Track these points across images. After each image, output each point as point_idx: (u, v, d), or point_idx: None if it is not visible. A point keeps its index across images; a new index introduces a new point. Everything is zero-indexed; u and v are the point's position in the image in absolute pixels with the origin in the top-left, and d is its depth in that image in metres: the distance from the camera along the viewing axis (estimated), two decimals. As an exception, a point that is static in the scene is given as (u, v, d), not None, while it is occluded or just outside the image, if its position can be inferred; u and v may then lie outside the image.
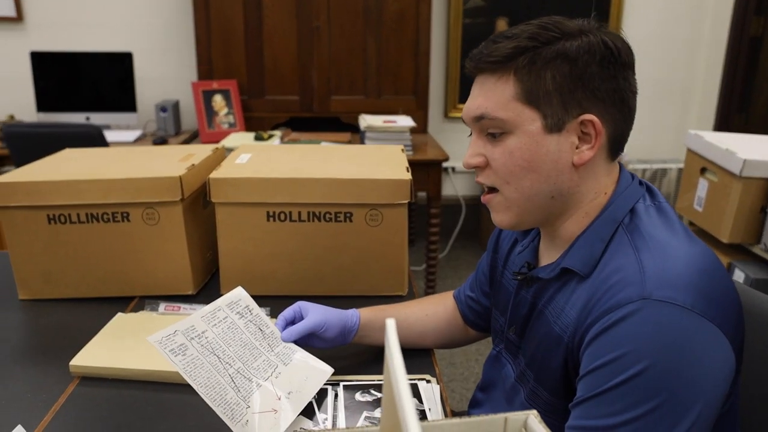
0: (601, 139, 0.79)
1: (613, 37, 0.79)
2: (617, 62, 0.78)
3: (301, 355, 1.01)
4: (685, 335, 0.69)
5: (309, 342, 1.03)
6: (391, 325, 0.46)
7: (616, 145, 0.82)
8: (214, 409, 0.84)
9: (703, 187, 2.12)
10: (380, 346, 1.10)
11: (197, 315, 0.95)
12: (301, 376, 0.97)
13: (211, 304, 0.99)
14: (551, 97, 0.78)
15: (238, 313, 1.01)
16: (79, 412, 0.94)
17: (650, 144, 3.90)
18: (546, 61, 0.78)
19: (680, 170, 3.55)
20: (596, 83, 0.78)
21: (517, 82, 0.79)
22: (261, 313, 1.04)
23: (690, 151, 2.22)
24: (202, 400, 0.84)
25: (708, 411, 0.71)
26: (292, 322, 1.03)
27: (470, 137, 0.87)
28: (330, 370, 0.99)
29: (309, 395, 0.94)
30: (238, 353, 0.95)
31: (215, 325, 0.96)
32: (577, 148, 0.80)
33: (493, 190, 0.85)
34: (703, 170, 2.14)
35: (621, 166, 0.87)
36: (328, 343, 1.04)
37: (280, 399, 0.91)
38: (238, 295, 1.03)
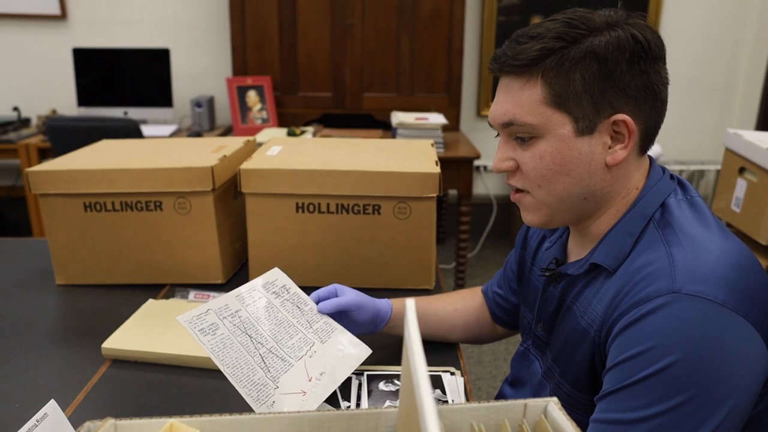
0: (635, 137, 0.78)
1: (642, 29, 0.76)
2: (648, 56, 0.76)
3: (340, 333, 0.99)
4: (716, 330, 0.68)
5: (340, 323, 1.03)
6: (410, 306, 0.46)
7: (647, 139, 0.81)
8: (239, 390, 0.85)
9: (741, 187, 2.06)
10: None
11: (232, 294, 0.96)
12: (337, 355, 0.96)
13: (246, 284, 1.00)
14: (581, 98, 0.76)
15: (274, 292, 1.01)
16: (110, 393, 0.96)
17: (688, 145, 3.81)
18: (574, 62, 0.75)
19: (718, 172, 3.46)
20: (627, 80, 0.76)
21: (545, 86, 0.77)
22: (299, 291, 1.03)
23: (728, 151, 2.17)
24: (228, 383, 0.85)
25: (738, 409, 0.69)
26: (327, 298, 1.03)
27: (497, 138, 0.86)
28: (368, 351, 0.98)
29: (342, 376, 0.93)
30: (273, 332, 0.95)
31: (250, 304, 0.97)
32: (609, 148, 0.78)
33: (523, 190, 0.84)
34: (741, 170, 2.08)
35: (651, 160, 0.85)
36: (359, 327, 1.03)
37: (311, 380, 0.91)
38: (275, 275, 1.04)
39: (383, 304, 1.06)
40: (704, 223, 0.77)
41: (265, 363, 0.90)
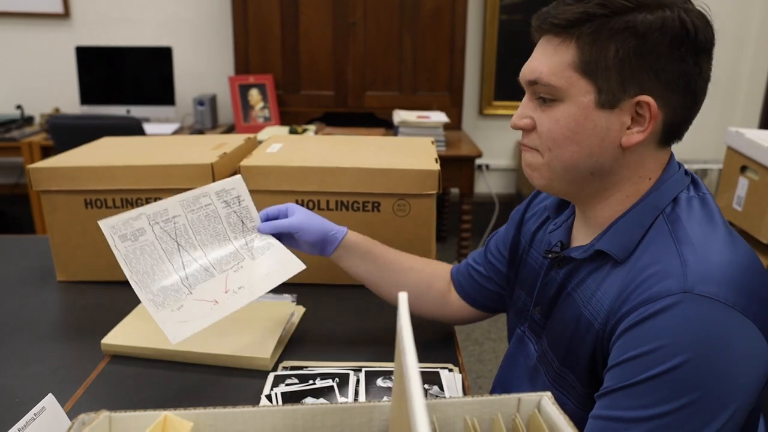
0: (655, 123, 0.75)
1: (695, 16, 0.74)
2: (691, 44, 0.73)
3: (277, 251, 1.00)
4: (725, 333, 0.67)
5: (288, 243, 1.05)
6: (403, 299, 0.46)
7: (672, 131, 0.78)
8: (139, 296, 0.87)
9: (743, 186, 2.06)
10: (354, 275, 1.10)
11: (177, 198, 0.96)
12: (263, 271, 0.97)
13: (201, 187, 1.00)
14: (610, 72, 0.74)
15: (224, 201, 1.01)
16: (108, 388, 0.97)
17: (691, 143, 3.79)
18: (612, 33, 0.73)
19: (721, 171, 3.45)
20: (662, 64, 0.73)
21: (577, 50, 0.75)
22: (251, 205, 1.04)
23: (730, 149, 2.16)
24: (230, 380, 0.85)
25: (741, 410, 0.69)
26: (276, 218, 1.05)
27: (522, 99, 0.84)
28: (300, 266, 0.99)
29: (262, 290, 0.95)
30: (205, 241, 0.96)
31: (193, 211, 0.97)
32: (628, 128, 0.76)
33: (534, 149, 0.83)
34: (743, 169, 2.08)
35: (671, 153, 0.83)
36: (304, 248, 1.06)
37: (227, 292, 0.92)
38: (234, 183, 1.04)
39: (335, 229, 1.06)
40: (713, 222, 0.76)
41: (185, 269, 0.91)
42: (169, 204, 0.95)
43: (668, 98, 0.75)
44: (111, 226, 0.89)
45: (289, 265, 0.99)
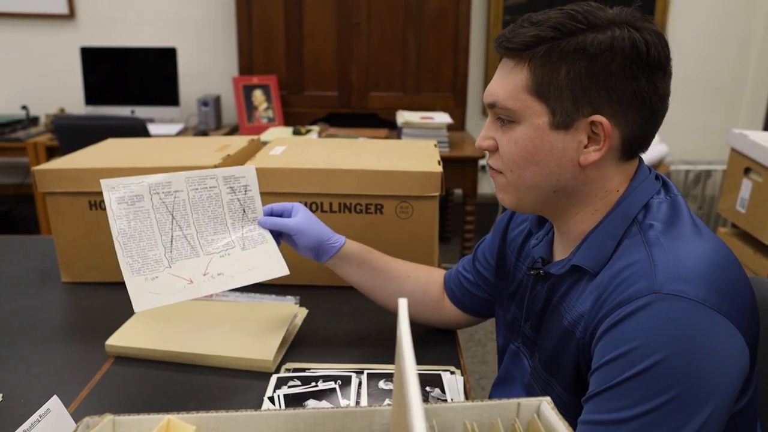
0: (611, 141, 0.77)
1: (647, 33, 0.75)
2: (643, 62, 0.74)
3: (268, 247, 1.02)
4: (697, 329, 0.69)
5: (286, 242, 1.07)
6: (403, 305, 0.47)
7: (632, 146, 0.79)
8: (120, 259, 0.89)
9: (746, 187, 2.06)
10: (350, 282, 1.12)
11: (183, 174, 0.98)
12: (247, 265, 0.98)
13: (209, 169, 1.02)
14: (563, 93, 0.75)
15: (230, 187, 1.02)
16: (112, 389, 0.97)
17: (695, 145, 3.80)
18: (563, 55, 0.75)
19: (725, 172, 3.45)
20: (613, 83, 0.74)
21: (529, 73, 0.77)
22: (257, 197, 1.05)
23: (733, 151, 2.16)
24: (233, 381, 0.86)
25: (722, 406, 0.70)
26: (280, 215, 1.06)
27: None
28: (284, 271, 1.00)
29: (239, 283, 0.96)
30: (200, 221, 0.97)
31: (196, 189, 0.98)
32: (585, 147, 0.77)
33: (498, 171, 0.85)
34: (747, 170, 2.08)
35: (640, 161, 0.84)
36: (299, 251, 1.07)
37: (205, 275, 0.93)
38: (244, 171, 1.05)
39: (333, 238, 1.07)
40: (680, 222, 0.78)
41: (172, 244, 0.93)
42: (174, 178, 0.97)
43: (623, 116, 0.76)
44: (111, 186, 0.92)
45: (275, 266, 1.00)
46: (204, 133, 3.25)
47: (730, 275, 0.74)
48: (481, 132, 0.86)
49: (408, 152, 1.41)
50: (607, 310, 0.74)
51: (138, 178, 0.94)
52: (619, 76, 0.74)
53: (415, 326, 1.15)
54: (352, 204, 1.28)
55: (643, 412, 0.69)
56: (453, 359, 1.08)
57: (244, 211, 1.03)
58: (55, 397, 0.71)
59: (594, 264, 0.79)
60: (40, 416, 0.68)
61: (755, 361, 0.77)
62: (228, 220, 1.01)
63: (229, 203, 1.02)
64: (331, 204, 1.28)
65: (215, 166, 1.26)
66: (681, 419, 0.68)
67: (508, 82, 0.79)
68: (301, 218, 1.05)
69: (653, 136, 0.81)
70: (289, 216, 1.06)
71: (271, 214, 1.07)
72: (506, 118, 0.81)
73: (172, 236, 0.94)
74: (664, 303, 0.69)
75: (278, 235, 1.07)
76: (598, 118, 0.75)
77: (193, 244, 0.95)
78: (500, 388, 1.03)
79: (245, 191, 1.04)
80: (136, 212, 0.93)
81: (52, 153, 3.14)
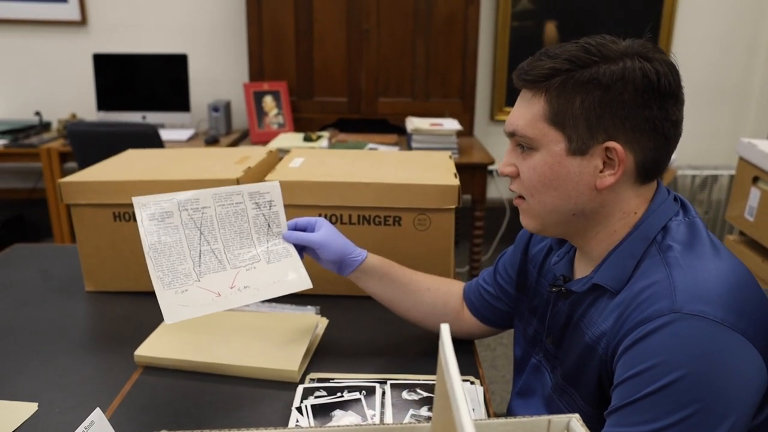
0: (625, 166, 0.81)
1: (658, 64, 0.79)
2: (654, 91, 0.78)
3: (293, 261, 1.05)
4: (715, 347, 0.72)
5: (310, 256, 1.10)
6: (445, 330, 0.49)
7: (647, 170, 0.83)
8: (151, 273, 0.93)
9: (755, 196, 2.08)
10: (371, 294, 1.15)
11: (211, 191, 1.02)
12: (273, 278, 1.02)
13: (234, 186, 1.06)
14: (578, 121, 0.80)
15: (255, 203, 1.06)
16: (143, 400, 1.00)
17: (702, 150, 3.82)
18: (578, 85, 0.79)
19: (732, 177, 3.47)
20: (626, 111, 0.79)
21: (546, 103, 0.82)
22: (281, 212, 1.09)
23: (742, 160, 2.18)
24: (259, 391, 0.89)
25: (740, 422, 0.73)
26: (303, 230, 1.09)
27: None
28: (308, 284, 1.04)
29: (265, 296, 1.00)
30: (227, 236, 1.01)
31: (223, 206, 1.02)
32: (601, 171, 0.81)
33: (521, 196, 0.90)
34: (755, 179, 2.10)
35: (659, 183, 0.88)
36: (325, 264, 1.10)
37: (232, 288, 0.97)
38: (269, 187, 1.09)
39: (356, 252, 1.10)
40: (699, 243, 0.81)
41: (200, 258, 0.97)
42: (201, 194, 1.01)
43: (636, 141, 0.80)
44: (143, 204, 0.96)
45: (299, 280, 1.04)
46: (215, 139, 3.28)
47: (747, 295, 0.77)
48: (504, 158, 0.90)
49: (424, 164, 1.43)
50: (628, 328, 0.77)
51: (168, 195, 0.98)
52: (632, 104, 0.79)
53: (434, 336, 1.17)
54: (371, 216, 1.31)
55: (664, 426, 0.72)
56: (472, 369, 1.11)
57: (269, 226, 1.06)
58: (97, 409, 0.74)
59: (615, 283, 0.83)
60: (86, 428, 0.71)
61: None
62: (254, 234, 1.04)
63: (254, 218, 1.05)
64: (350, 216, 1.31)
65: (238, 180, 1.30)
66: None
67: (526, 112, 0.84)
68: (325, 233, 1.08)
69: (668, 161, 0.85)
70: (312, 230, 1.09)
71: (295, 228, 1.10)
72: (526, 146, 0.85)
73: (200, 251, 0.97)
74: (684, 322, 0.73)
75: (302, 249, 1.10)
76: (612, 144, 0.80)
77: (220, 258, 0.99)
78: (521, 401, 1.05)
79: (270, 206, 1.07)
80: (166, 228, 0.96)
81: (65, 158, 3.17)
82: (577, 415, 0.57)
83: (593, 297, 0.87)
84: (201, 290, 0.96)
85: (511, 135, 0.87)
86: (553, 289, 0.95)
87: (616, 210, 0.84)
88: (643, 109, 0.79)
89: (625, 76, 0.78)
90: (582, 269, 0.92)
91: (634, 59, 0.79)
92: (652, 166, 0.83)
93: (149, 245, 0.95)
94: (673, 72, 0.80)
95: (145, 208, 0.96)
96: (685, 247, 0.80)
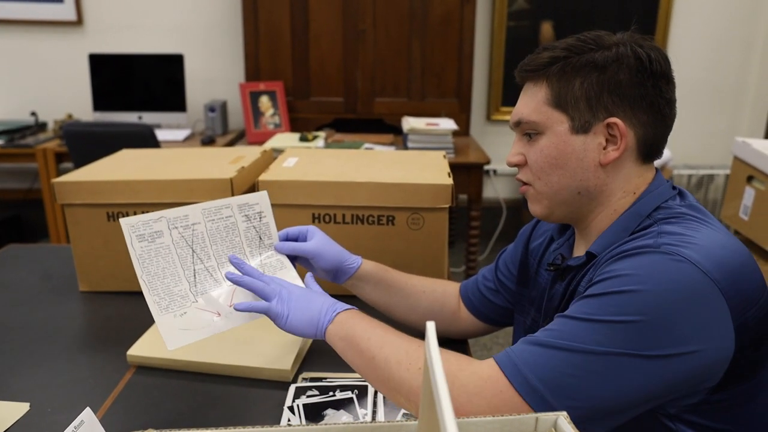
0: (627, 141, 0.85)
1: (648, 48, 0.85)
2: (646, 71, 0.84)
3: (287, 272, 1.03)
4: (689, 289, 0.73)
5: (303, 265, 1.09)
6: (431, 328, 0.49)
7: (647, 148, 0.87)
8: (146, 298, 0.90)
9: (749, 195, 2.08)
10: (366, 301, 1.14)
11: (199, 206, 0.99)
12: None
13: (223, 199, 1.02)
14: (579, 102, 0.85)
15: (245, 215, 1.03)
16: (136, 399, 1.00)
17: (698, 149, 3.82)
18: (576, 69, 0.85)
19: (728, 177, 3.48)
20: (623, 89, 0.84)
21: (548, 88, 0.87)
22: (271, 223, 1.06)
23: (737, 159, 2.19)
24: (252, 391, 0.89)
25: (682, 370, 0.73)
26: (295, 239, 1.08)
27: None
28: None
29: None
30: (219, 252, 0.99)
31: (213, 220, 0.99)
32: (604, 148, 0.86)
33: (528, 183, 0.93)
34: (749, 178, 2.10)
35: (657, 172, 0.91)
36: (320, 273, 1.09)
37: (231, 306, 0.95)
38: (258, 198, 1.06)
39: (351, 259, 1.10)
40: (696, 218, 0.83)
41: (195, 278, 0.94)
42: (191, 211, 0.98)
43: (636, 117, 0.85)
44: (131, 225, 0.93)
45: None
46: (211, 139, 3.28)
47: (739, 261, 0.78)
48: (511, 150, 0.93)
49: (418, 164, 1.44)
50: (607, 261, 0.80)
51: (156, 214, 0.95)
52: (628, 83, 0.84)
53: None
54: (364, 216, 1.31)
55: (598, 320, 0.74)
56: (465, 368, 1.11)
57: (261, 238, 1.04)
58: (87, 409, 0.73)
59: (605, 250, 0.85)
60: (75, 427, 0.71)
61: (766, 353, 0.81)
62: (246, 248, 1.02)
63: (245, 231, 1.03)
64: (344, 215, 1.31)
65: (231, 180, 1.30)
66: (634, 346, 0.72)
67: (530, 101, 0.89)
68: (318, 241, 1.07)
69: (665, 139, 0.89)
70: (304, 240, 1.08)
71: (287, 238, 1.08)
72: (532, 132, 0.90)
73: (194, 270, 0.95)
74: (663, 255, 0.75)
75: (294, 259, 1.08)
76: (613, 120, 0.84)
77: (215, 276, 0.97)
78: None
79: (260, 218, 1.05)
80: (157, 249, 0.93)
81: (60, 159, 3.17)
82: (564, 413, 0.57)
83: (586, 269, 0.88)
84: (200, 311, 0.93)
85: (517, 124, 0.91)
86: (551, 268, 0.97)
87: (617, 189, 0.88)
88: (638, 87, 0.84)
89: (619, 58, 0.84)
90: (580, 249, 0.95)
91: (626, 45, 0.85)
92: (652, 142, 0.87)
93: (141, 269, 0.92)
94: (662, 56, 0.86)
95: (133, 229, 0.92)
96: (679, 219, 0.82)
